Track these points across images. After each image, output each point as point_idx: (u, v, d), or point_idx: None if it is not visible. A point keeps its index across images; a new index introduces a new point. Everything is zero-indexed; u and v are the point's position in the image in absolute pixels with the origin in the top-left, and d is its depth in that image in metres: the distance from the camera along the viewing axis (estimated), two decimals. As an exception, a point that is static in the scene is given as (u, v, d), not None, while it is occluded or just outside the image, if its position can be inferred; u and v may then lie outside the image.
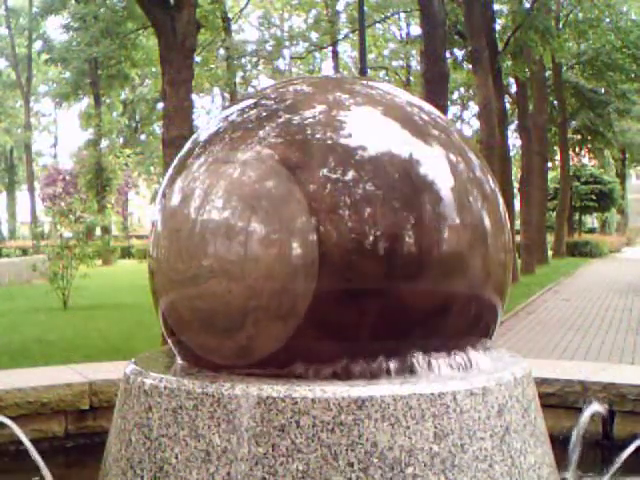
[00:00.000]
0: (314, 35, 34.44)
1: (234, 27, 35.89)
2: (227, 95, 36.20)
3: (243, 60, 33.82)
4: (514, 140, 35.55)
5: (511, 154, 26.13)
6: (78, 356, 7.52)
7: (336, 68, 35.83)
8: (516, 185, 27.40)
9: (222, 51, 32.04)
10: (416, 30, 34.05)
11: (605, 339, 9.89)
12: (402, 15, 35.05)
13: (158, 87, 32.46)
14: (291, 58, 36.43)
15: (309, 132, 2.53)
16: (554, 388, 3.79)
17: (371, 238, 2.35)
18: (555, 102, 31.96)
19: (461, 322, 2.57)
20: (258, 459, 2.24)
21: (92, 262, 16.57)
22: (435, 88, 13.35)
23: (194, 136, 2.91)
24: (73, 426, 3.87)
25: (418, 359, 2.44)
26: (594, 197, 40.73)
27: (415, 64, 36.81)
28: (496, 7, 21.27)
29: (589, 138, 37.69)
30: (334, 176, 2.40)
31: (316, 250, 2.34)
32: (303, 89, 2.89)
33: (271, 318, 2.40)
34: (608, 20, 24.35)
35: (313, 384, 2.29)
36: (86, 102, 39.82)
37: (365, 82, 3.03)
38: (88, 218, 18.37)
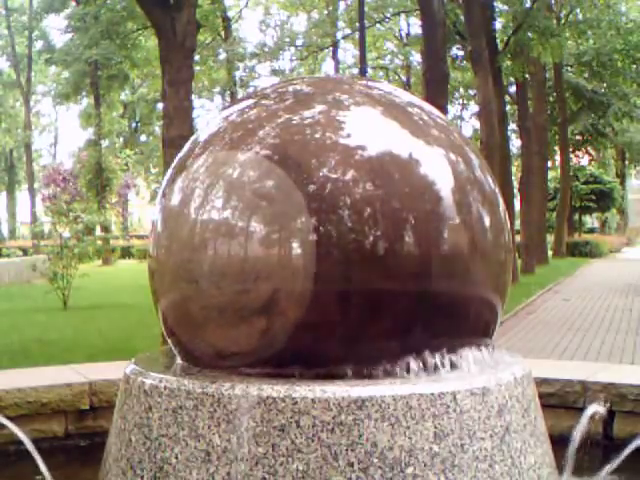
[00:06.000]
0: (315, 35, 34.43)
1: (234, 27, 35.93)
2: (227, 94, 36.21)
3: (243, 68, 33.89)
4: (514, 140, 35.58)
5: (511, 154, 26.12)
6: (78, 356, 7.51)
7: (336, 68, 35.83)
8: (516, 185, 27.39)
9: (222, 54, 32.07)
10: (416, 30, 34.07)
11: (605, 339, 9.89)
12: (402, 15, 35.05)
13: (158, 87, 32.44)
14: (291, 60, 36.45)
15: (309, 132, 2.53)
16: (554, 388, 3.79)
17: (371, 238, 2.35)
18: (555, 102, 31.96)
19: (461, 322, 2.57)
20: (258, 459, 2.24)
21: (91, 260, 16.55)
22: (435, 88, 13.34)
23: (194, 136, 2.91)
24: (73, 426, 3.86)
25: (418, 359, 2.44)
26: (594, 197, 40.70)
27: (415, 64, 36.80)
28: (496, 7, 21.24)
29: (589, 139, 37.68)
30: (334, 176, 2.40)
31: (315, 250, 2.34)
32: (303, 89, 2.89)
33: (271, 318, 2.40)
34: (608, 19, 24.32)
35: (313, 384, 2.29)
36: (86, 102, 39.81)
37: (365, 82, 3.04)
38: (86, 217, 18.34)
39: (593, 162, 47.12)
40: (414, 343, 2.46)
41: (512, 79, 25.93)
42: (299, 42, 34.96)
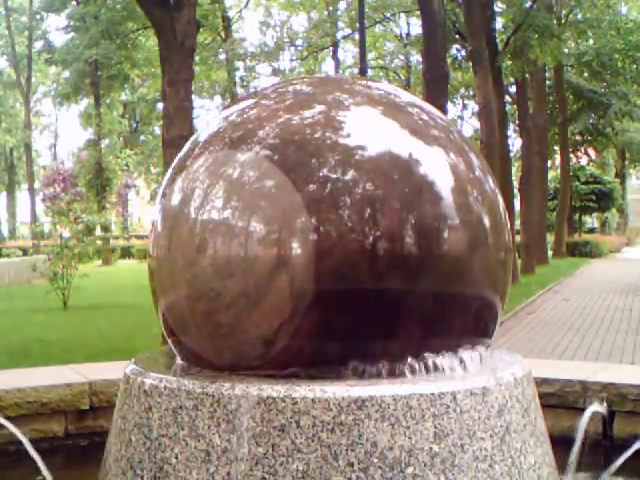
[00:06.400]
0: (314, 37, 34.45)
1: (234, 27, 35.93)
2: (227, 94, 36.21)
3: (243, 68, 33.89)
4: (514, 140, 35.58)
5: (511, 154, 26.12)
6: (78, 356, 7.51)
7: (336, 68, 35.84)
8: (516, 185, 27.38)
9: (222, 54, 32.08)
10: (416, 30, 34.09)
11: (605, 339, 9.88)
12: (402, 15, 35.06)
13: (158, 87, 32.43)
14: (291, 60, 36.46)
15: (309, 132, 2.53)
16: (554, 388, 3.79)
17: (370, 238, 2.35)
18: (555, 102, 31.96)
19: (461, 322, 2.57)
20: (258, 459, 2.24)
21: (91, 260, 16.57)
22: (435, 88, 13.34)
23: (194, 136, 2.91)
24: (73, 426, 3.87)
25: (417, 359, 2.44)
26: (594, 197, 40.69)
27: (415, 64, 36.81)
28: (496, 7, 21.24)
29: (589, 139, 37.69)
30: (333, 176, 2.39)
31: (315, 250, 2.34)
32: (303, 89, 2.89)
33: (271, 318, 2.40)
34: (608, 19, 24.31)
35: (313, 384, 2.29)
36: (86, 102, 39.82)
37: (365, 82, 3.03)
38: (86, 217, 18.36)
39: (592, 163, 47.12)
40: (414, 343, 2.46)
41: (512, 79, 25.93)
42: (299, 42, 34.97)
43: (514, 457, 2.41)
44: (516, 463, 2.41)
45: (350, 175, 2.40)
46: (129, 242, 43.50)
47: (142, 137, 50.07)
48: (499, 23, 22.48)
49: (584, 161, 46.50)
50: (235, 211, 2.45)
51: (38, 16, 42.04)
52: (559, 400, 3.77)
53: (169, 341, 2.78)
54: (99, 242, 21.32)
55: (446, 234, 2.48)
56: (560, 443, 2.85)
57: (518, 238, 21.41)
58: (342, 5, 34.81)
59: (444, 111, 14.77)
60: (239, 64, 33.77)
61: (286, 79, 16.35)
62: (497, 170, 15.88)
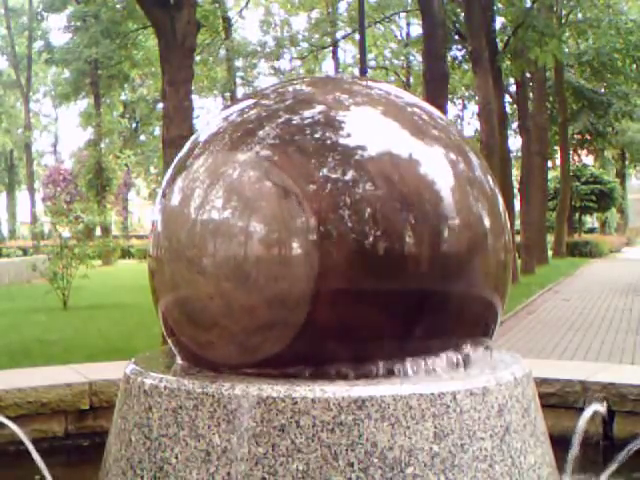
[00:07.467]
0: (315, 35, 34.47)
1: (234, 27, 35.92)
2: (227, 94, 36.19)
3: (242, 64, 33.90)
4: (514, 140, 35.58)
5: (511, 154, 26.12)
6: (78, 356, 7.51)
7: (336, 68, 35.84)
8: (516, 185, 27.37)
9: (222, 53, 32.09)
10: (416, 30, 34.11)
11: (605, 339, 9.89)
12: (402, 15, 35.08)
13: (158, 87, 32.41)
14: (291, 60, 36.48)
15: (309, 132, 2.53)
16: (554, 388, 3.79)
17: (371, 238, 2.35)
18: (555, 102, 31.97)
19: (461, 322, 2.57)
20: (258, 459, 2.24)
21: (91, 262, 16.56)
22: (435, 88, 13.34)
23: (194, 136, 2.91)
24: (73, 426, 3.87)
25: (418, 359, 2.44)
26: (594, 197, 40.70)
27: (415, 64, 36.82)
28: (496, 7, 21.21)
29: (589, 138, 37.69)
30: (334, 176, 2.39)
31: (316, 250, 2.34)
32: (303, 89, 2.89)
33: (271, 318, 2.40)
34: (608, 19, 24.31)
35: (313, 384, 2.29)
36: (86, 102, 39.81)
37: (365, 82, 3.04)
38: (86, 217, 18.38)
39: (597, 161, 47.10)
40: (414, 343, 2.46)
41: (512, 79, 25.91)
42: (299, 42, 34.96)
43: (514, 457, 2.41)
44: (516, 463, 2.41)
45: (350, 175, 2.40)
46: (129, 242, 43.49)
47: (142, 137, 50.04)
48: (499, 23, 22.46)
49: (589, 160, 46.44)
50: (235, 211, 2.45)
51: (38, 16, 42.02)
52: (559, 400, 3.77)
53: (169, 341, 2.78)
54: (99, 243, 21.29)
55: (446, 234, 2.48)
56: (560, 443, 2.85)
57: (518, 238, 21.40)
58: (342, 5, 34.84)
59: (444, 111, 14.76)
60: (239, 63, 33.78)
61: (286, 79, 16.35)
62: (497, 170, 15.86)
